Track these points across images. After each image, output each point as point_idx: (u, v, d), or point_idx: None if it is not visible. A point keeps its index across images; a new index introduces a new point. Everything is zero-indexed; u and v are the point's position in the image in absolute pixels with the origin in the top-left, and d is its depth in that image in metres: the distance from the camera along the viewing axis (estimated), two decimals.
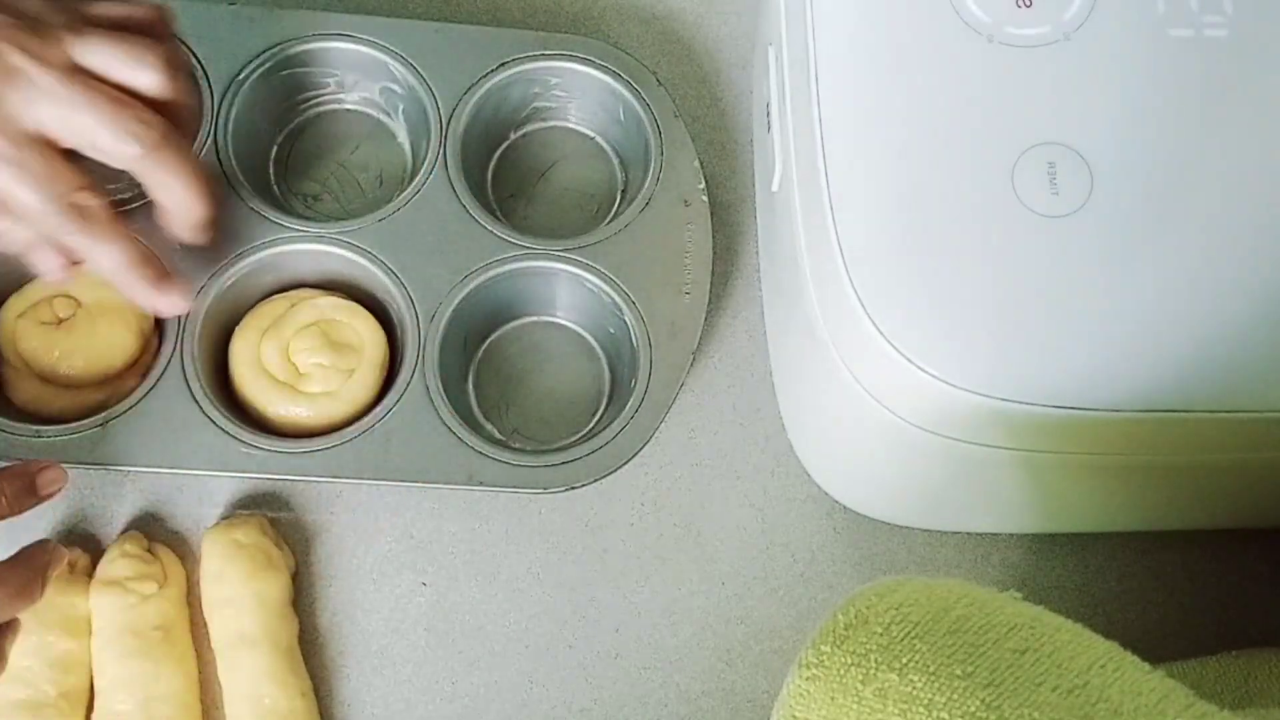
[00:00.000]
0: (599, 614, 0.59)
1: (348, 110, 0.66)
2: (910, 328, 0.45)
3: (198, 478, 0.59)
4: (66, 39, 0.49)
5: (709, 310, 0.60)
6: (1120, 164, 0.46)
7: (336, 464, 0.56)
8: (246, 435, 0.56)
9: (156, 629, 0.55)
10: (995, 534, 0.61)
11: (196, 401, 0.56)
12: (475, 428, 0.58)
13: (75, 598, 0.55)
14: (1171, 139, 0.47)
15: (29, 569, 0.49)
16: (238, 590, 0.55)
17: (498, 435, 0.60)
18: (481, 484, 0.56)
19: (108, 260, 0.52)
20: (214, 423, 0.56)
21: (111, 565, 0.56)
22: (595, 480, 0.57)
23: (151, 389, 0.56)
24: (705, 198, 0.62)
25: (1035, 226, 0.45)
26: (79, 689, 0.54)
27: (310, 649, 0.57)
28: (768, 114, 0.55)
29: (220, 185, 0.54)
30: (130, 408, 0.56)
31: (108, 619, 0.55)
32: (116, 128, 0.49)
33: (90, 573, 0.56)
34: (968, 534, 0.61)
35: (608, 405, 0.61)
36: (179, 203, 0.53)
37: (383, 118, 0.66)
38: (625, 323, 0.59)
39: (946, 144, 0.47)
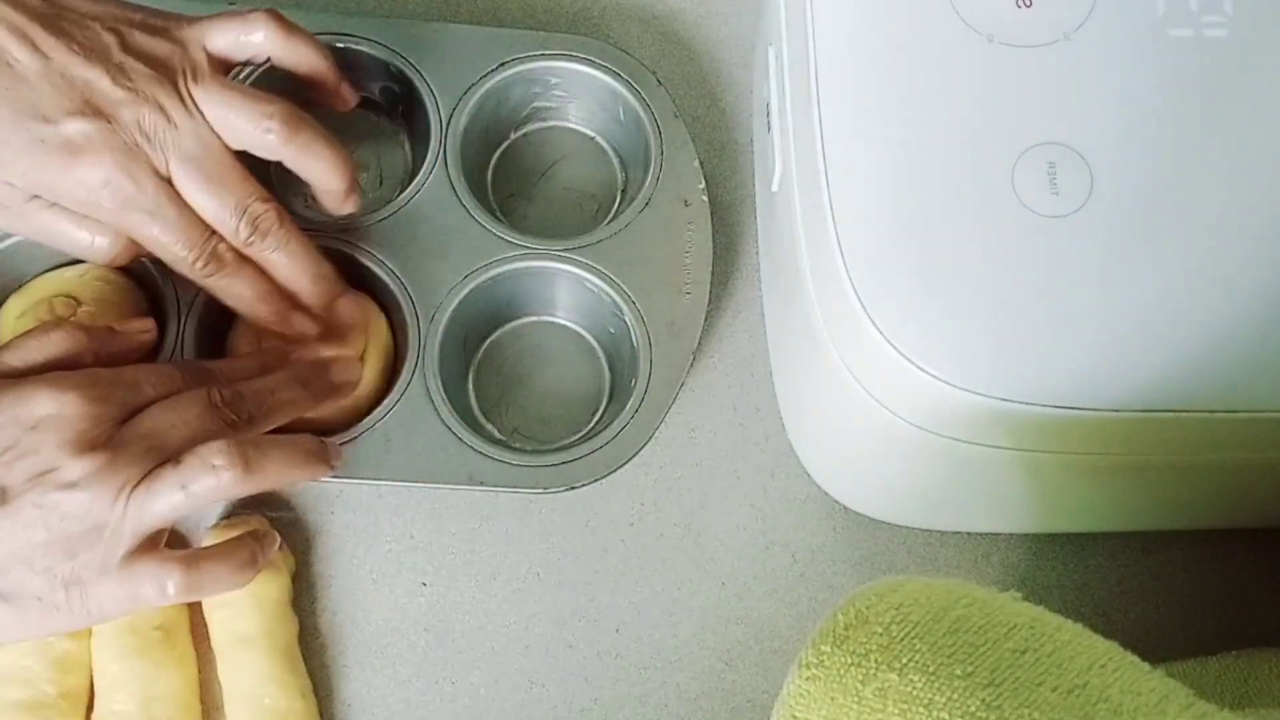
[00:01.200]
0: (599, 614, 0.59)
1: (348, 110, 0.65)
2: (910, 328, 0.45)
3: None
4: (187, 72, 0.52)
5: (709, 310, 0.60)
6: (1120, 164, 0.46)
7: None
8: None
9: (156, 629, 0.55)
10: (995, 534, 0.61)
11: None
12: (475, 428, 0.58)
13: None
14: (1171, 139, 0.47)
15: (253, 550, 0.51)
16: (237, 591, 0.55)
17: (498, 435, 0.60)
18: (481, 484, 0.56)
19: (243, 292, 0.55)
20: None
21: None
22: (595, 480, 0.57)
23: None
24: (705, 198, 0.62)
25: (1035, 226, 0.45)
26: (79, 689, 0.54)
27: (310, 649, 0.57)
28: (768, 114, 0.55)
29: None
30: None
31: None
32: (255, 121, 0.52)
33: None
34: (968, 534, 0.61)
35: (608, 405, 0.61)
36: (323, 174, 0.55)
37: (383, 118, 0.66)
38: (625, 323, 0.59)
39: (946, 144, 0.47)
